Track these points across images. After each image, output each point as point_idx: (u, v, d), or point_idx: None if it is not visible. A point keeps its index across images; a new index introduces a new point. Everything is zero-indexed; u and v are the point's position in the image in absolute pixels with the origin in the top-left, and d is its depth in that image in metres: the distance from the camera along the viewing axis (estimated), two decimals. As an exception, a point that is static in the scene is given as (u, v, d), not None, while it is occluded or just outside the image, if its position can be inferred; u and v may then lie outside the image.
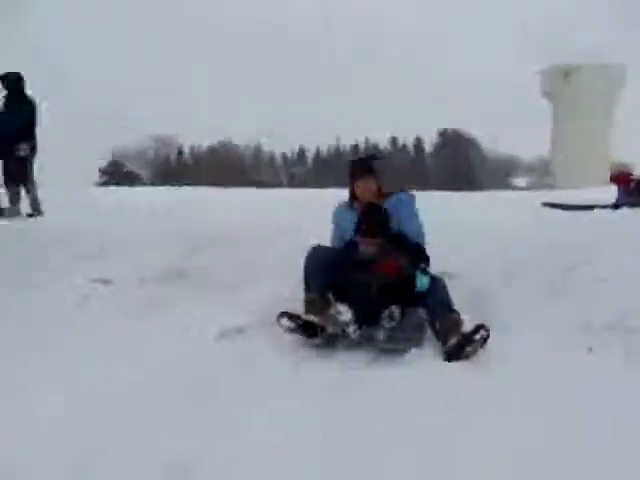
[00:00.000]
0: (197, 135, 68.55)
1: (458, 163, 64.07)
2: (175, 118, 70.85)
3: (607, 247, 5.26)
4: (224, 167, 60.92)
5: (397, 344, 3.94)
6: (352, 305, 4.02)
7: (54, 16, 71.80)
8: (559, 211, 10.15)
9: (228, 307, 4.76)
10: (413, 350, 3.93)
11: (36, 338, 4.22)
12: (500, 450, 2.70)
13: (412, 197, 4.80)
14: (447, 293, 4.19)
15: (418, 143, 72.97)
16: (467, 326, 3.97)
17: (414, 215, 4.69)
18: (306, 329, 4.00)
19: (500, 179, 60.14)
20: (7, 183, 8.76)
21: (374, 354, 4.04)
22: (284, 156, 74.74)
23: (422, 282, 4.10)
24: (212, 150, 69.87)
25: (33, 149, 8.67)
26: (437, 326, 4.03)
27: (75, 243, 6.46)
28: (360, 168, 4.77)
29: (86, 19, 78.32)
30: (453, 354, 3.75)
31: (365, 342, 4.06)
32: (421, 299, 4.14)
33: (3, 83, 8.63)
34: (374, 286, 4.11)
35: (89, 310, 5.04)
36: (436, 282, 4.19)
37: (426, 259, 4.34)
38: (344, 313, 3.98)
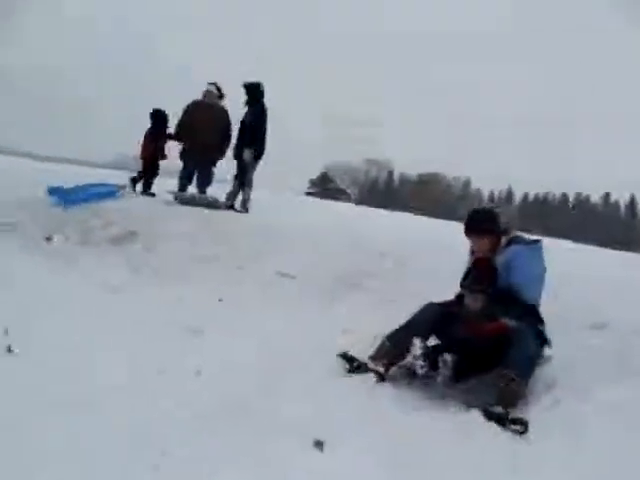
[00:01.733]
0: (409, 163, 69.63)
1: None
2: (389, 144, 72.43)
3: None
4: (431, 197, 61.29)
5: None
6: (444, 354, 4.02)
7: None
8: None
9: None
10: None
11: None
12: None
13: (530, 248, 4.35)
14: (534, 356, 4.02)
15: (632, 200, 69.69)
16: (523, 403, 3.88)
17: (526, 265, 4.23)
18: (363, 371, 4.16)
19: None
20: (234, 180, 9.68)
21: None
22: (491, 194, 73.80)
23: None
24: (421, 178, 70.58)
25: (259, 155, 9.49)
26: (498, 380, 3.88)
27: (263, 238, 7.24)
28: (472, 226, 4.45)
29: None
30: (489, 417, 3.67)
31: (426, 379, 4.10)
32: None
33: (246, 90, 9.49)
34: (471, 343, 4.00)
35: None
36: (528, 338, 3.98)
37: (537, 318, 4.19)
38: (416, 346, 4.02)
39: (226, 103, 10.00)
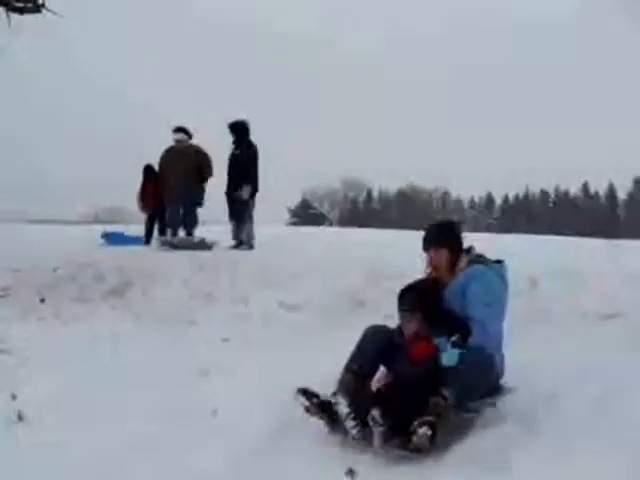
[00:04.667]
0: (385, 179, 69.89)
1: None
2: (364, 162, 72.93)
3: None
4: (412, 211, 61.58)
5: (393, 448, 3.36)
6: (385, 399, 3.52)
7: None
8: None
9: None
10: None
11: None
12: None
13: (491, 269, 3.88)
14: (479, 377, 3.52)
15: (611, 190, 70.29)
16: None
17: (484, 292, 3.74)
18: (323, 410, 3.56)
19: None
20: (230, 218, 9.79)
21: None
22: (472, 200, 74.34)
23: (450, 357, 3.53)
24: (401, 194, 70.93)
25: (254, 191, 9.61)
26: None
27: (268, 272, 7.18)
28: (430, 238, 4.03)
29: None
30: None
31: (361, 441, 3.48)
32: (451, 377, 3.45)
33: (232, 130, 9.67)
34: (408, 373, 3.61)
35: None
36: (470, 360, 3.49)
37: (464, 331, 3.65)
38: (341, 406, 3.44)
39: (196, 141, 10.12)
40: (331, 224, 51.53)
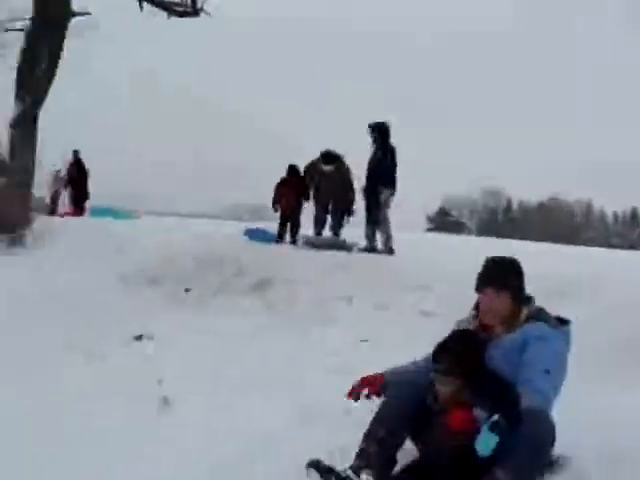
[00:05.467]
0: (526, 190, 67.57)
1: None
2: (505, 172, 70.69)
3: None
4: (553, 223, 59.21)
5: None
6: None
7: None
8: None
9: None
10: None
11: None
12: None
13: (557, 331, 3.06)
14: (540, 453, 2.73)
15: None
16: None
17: (546, 360, 2.91)
18: None
19: None
20: (367, 221, 9.71)
21: None
22: (615, 215, 70.33)
23: (485, 443, 2.65)
24: (541, 206, 68.41)
25: (392, 193, 9.54)
26: None
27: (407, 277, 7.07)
28: (489, 277, 3.17)
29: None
30: None
31: None
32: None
33: (374, 131, 9.60)
34: (442, 452, 2.83)
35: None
36: (531, 430, 2.66)
37: (512, 410, 2.72)
38: None
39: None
40: (470, 232, 50.41)
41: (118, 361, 5.05)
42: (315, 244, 9.36)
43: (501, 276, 3.14)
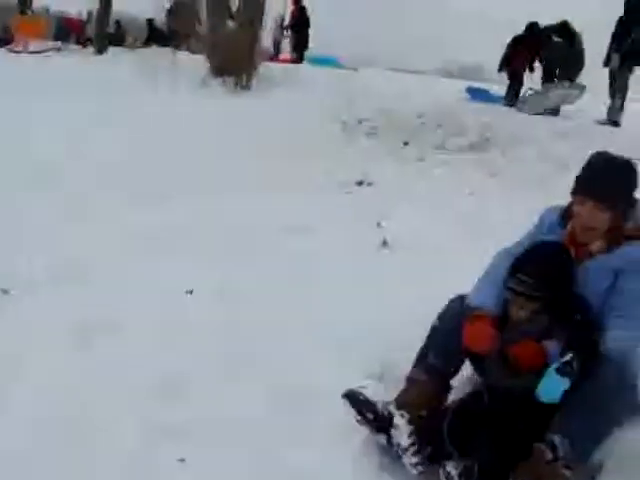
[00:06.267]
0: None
1: None
2: None
3: None
4: None
5: None
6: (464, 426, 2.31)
7: None
8: None
9: None
10: None
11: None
12: None
13: None
14: (616, 416, 2.21)
15: None
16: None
17: None
18: (378, 430, 2.38)
19: None
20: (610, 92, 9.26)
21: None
22: None
23: (551, 388, 2.12)
24: None
25: (623, 61, 8.78)
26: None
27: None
28: (596, 183, 2.37)
29: None
30: None
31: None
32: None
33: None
34: (510, 396, 2.26)
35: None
36: (583, 393, 2.13)
37: (587, 347, 2.18)
38: (400, 431, 2.33)
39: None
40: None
41: (341, 201, 5.31)
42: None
43: (610, 187, 2.35)
